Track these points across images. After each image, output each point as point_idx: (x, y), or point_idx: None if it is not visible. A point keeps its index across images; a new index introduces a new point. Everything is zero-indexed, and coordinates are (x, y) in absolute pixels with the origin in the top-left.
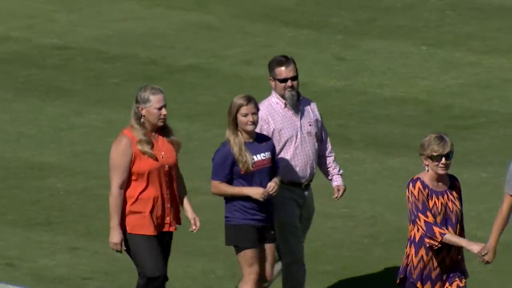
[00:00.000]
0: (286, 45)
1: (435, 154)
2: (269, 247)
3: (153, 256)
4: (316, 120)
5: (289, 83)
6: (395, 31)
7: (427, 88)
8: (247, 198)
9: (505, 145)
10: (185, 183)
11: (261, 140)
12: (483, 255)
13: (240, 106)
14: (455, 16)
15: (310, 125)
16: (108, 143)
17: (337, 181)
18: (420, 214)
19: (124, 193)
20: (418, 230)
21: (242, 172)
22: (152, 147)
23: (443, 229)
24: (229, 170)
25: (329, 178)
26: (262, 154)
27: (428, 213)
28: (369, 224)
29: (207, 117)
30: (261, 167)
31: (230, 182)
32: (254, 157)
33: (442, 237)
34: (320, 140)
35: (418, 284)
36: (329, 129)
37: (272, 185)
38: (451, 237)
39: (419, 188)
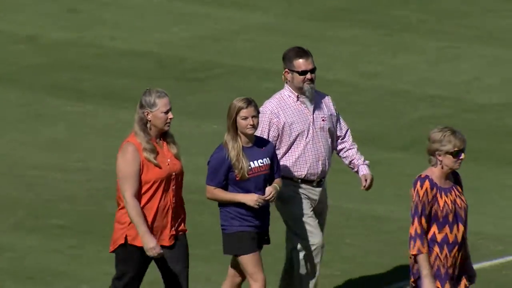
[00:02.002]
0: None
1: (456, 149)
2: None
3: (139, 276)
4: (331, 115)
5: (308, 75)
6: None
7: (159, 40)
8: (242, 205)
9: (240, 96)
10: None
11: (260, 144)
12: None
13: (240, 109)
14: None
15: (323, 120)
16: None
17: (363, 170)
18: (416, 217)
19: (140, 201)
20: (429, 229)
21: (237, 179)
22: (157, 155)
23: (424, 247)
24: (225, 175)
25: (355, 170)
26: (260, 160)
27: (423, 219)
28: (103, 177)
29: None
30: (258, 174)
31: (225, 187)
32: (252, 163)
33: (417, 253)
34: (338, 135)
35: (437, 283)
36: (61, 81)
37: (270, 191)
38: (422, 259)
39: (426, 188)
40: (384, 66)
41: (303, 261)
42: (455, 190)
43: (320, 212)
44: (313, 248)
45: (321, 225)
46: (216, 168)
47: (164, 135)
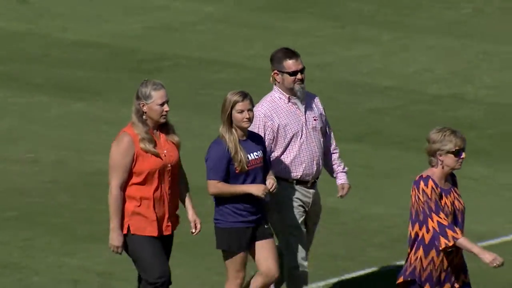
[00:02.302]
0: None
1: (458, 148)
2: (267, 243)
3: (157, 259)
4: (321, 114)
5: (299, 76)
6: None
7: (111, 31)
8: (239, 199)
9: (193, 87)
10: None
11: (253, 138)
12: (495, 265)
13: (236, 102)
14: None
15: (315, 119)
16: None
17: (341, 179)
18: (433, 214)
19: (124, 193)
20: (428, 231)
21: (237, 171)
22: (155, 145)
23: (456, 233)
24: (226, 168)
25: (334, 176)
26: (255, 153)
27: (441, 214)
28: (53, 169)
29: None
30: (254, 166)
31: (227, 181)
32: (248, 155)
33: (455, 241)
34: (326, 134)
35: (427, 287)
36: (12, 72)
37: (271, 182)
38: (464, 242)
39: (432, 186)
40: (338, 57)
41: (288, 272)
42: (453, 191)
43: (314, 213)
44: (295, 264)
45: (314, 226)
46: (217, 162)
47: (162, 127)
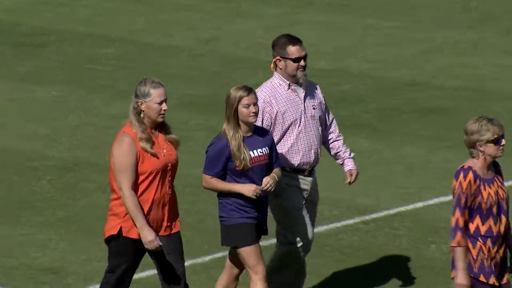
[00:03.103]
0: None
1: (496, 136)
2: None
3: (133, 267)
4: (320, 103)
5: (302, 62)
6: None
7: None
8: (241, 196)
9: (77, 62)
10: None
11: (259, 133)
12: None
13: (241, 97)
14: None
15: (314, 108)
16: None
17: (349, 165)
18: (457, 209)
19: (136, 193)
20: (472, 221)
21: (237, 169)
22: (153, 145)
23: (464, 241)
24: (223, 165)
25: (340, 162)
26: (259, 150)
27: (465, 212)
28: None
29: None
30: (257, 163)
31: (223, 177)
32: (251, 152)
33: (455, 246)
34: (325, 124)
35: (481, 277)
36: None
37: (268, 180)
38: (459, 253)
39: (470, 180)
40: (222, 32)
41: (291, 256)
42: (497, 180)
43: (312, 201)
44: (302, 244)
45: (314, 213)
46: (214, 158)
47: (160, 126)
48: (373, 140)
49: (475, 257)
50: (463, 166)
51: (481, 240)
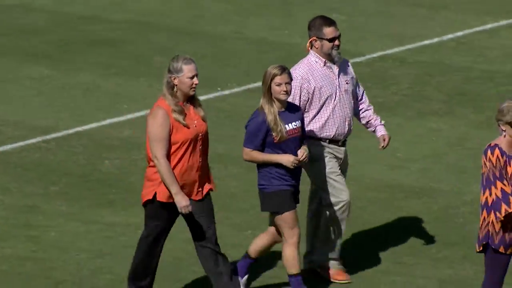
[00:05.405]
0: None
1: None
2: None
3: (164, 235)
4: (352, 78)
5: (336, 42)
6: None
7: None
8: (280, 165)
9: None
10: None
11: (291, 109)
12: None
13: (274, 75)
14: None
15: (347, 83)
16: None
17: (381, 131)
18: (497, 182)
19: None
20: (490, 194)
21: (275, 141)
22: (185, 117)
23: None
24: (262, 138)
25: (372, 130)
26: (294, 123)
27: (505, 182)
28: None
29: None
30: (292, 136)
31: (261, 150)
32: (286, 126)
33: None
34: (356, 97)
35: (501, 249)
36: None
37: (303, 152)
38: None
39: (497, 155)
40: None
41: (332, 217)
42: None
43: (344, 169)
44: (342, 204)
45: (344, 176)
46: (254, 132)
47: (190, 99)
48: (49, 68)
49: (497, 230)
50: (490, 144)
51: (504, 209)
